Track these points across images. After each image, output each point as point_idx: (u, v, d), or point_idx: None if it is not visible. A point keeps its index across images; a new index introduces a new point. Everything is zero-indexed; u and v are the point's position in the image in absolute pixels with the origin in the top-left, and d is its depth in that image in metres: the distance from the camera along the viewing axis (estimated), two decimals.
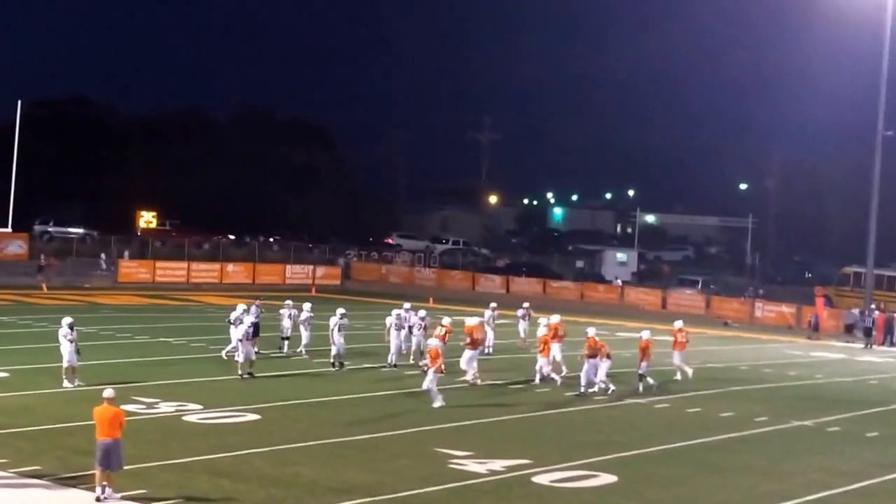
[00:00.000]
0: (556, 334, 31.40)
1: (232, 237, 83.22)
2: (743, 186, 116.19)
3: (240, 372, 28.14)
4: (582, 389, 28.22)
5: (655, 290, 66.22)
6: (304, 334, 32.65)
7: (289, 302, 34.41)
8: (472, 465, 19.62)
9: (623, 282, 71.03)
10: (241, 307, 30.90)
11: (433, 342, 26.89)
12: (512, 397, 27.58)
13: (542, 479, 19.05)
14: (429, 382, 25.52)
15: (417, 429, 22.82)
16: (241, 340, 28.54)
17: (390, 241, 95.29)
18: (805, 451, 23.00)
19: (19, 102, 45.99)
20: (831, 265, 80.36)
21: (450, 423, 23.72)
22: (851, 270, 63.54)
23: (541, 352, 30.29)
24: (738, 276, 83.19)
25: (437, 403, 25.14)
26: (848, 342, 49.40)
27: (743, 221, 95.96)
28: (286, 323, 33.44)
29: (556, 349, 30.78)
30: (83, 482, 16.92)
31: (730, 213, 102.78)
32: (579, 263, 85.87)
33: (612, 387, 28.65)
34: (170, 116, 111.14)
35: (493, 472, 19.26)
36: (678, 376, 31.76)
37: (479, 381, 29.02)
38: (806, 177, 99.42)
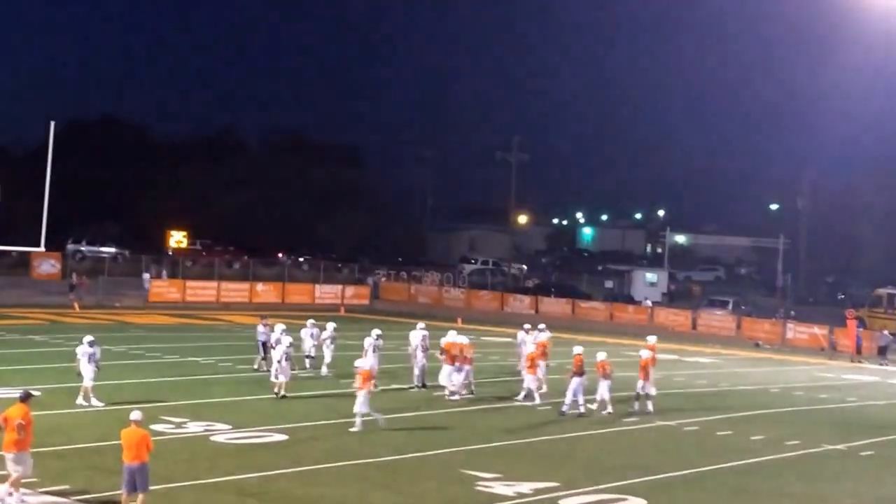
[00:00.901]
0: (543, 352, 31.29)
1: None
2: (774, 207, 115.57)
3: (276, 391, 28.24)
4: (565, 409, 27.95)
5: (685, 310, 65.86)
6: (327, 353, 32.73)
7: (311, 321, 34.53)
8: (500, 488, 19.52)
9: (653, 302, 70.68)
10: (279, 327, 30.91)
11: (364, 363, 25.54)
12: (540, 419, 27.44)
13: (570, 502, 18.93)
14: (360, 405, 24.22)
15: (445, 450, 22.74)
16: (279, 362, 28.56)
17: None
18: (837, 476, 22.76)
19: (52, 123, 46.27)
20: (864, 286, 79.79)
21: (477, 444, 23.62)
22: (885, 292, 63.01)
23: (528, 368, 30.29)
24: (769, 297, 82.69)
25: (381, 423, 24.21)
26: (882, 364, 48.95)
27: (774, 242, 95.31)
28: (308, 343, 33.51)
29: (541, 368, 30.64)
30: (110, 502, 16.96)
31: (761, 234, 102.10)
32: (609, 284, 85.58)
33: (608, 409, 28.47)
34: (201, 138, 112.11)
35: (521, 495, 19.15)
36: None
37: (455, 397, 29.36)
38: (838, 197, 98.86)
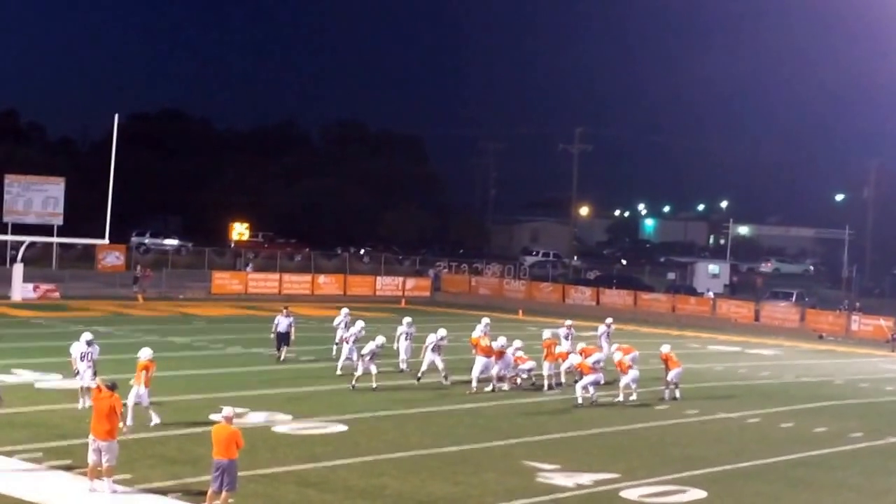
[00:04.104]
0: (549, 351, 30.98)
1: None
2: (839, 197, 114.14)
3: (354, 384, 28.42)
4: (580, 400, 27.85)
5: (748, 302, 65.26)
6: (403, 347, 32.17)
7: (345, 310, 34.39)
8: (560, 479, 19.50)
9: (715, 294, 70.12)
10: (360, 323, 31.01)
11: (145, 353, 22.56)
12: (601, 411, 27.37)
13: (631, 493, 18.86)
14: (136, 397, 21.95)
15: (505, 441, 22.75)
16: (363, 356, 28.68)
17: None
18: None
19: (116, 116, 46.89)
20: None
21: (538, 436, 23.62)
22: None
23: (546, 357, 30.32)
24: (833, 289, 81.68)
25: (154, 421, 22.26)
26: None
27: (839, 233, 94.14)
28: (340, 332, 33.14)
29: (546, 365, 30.46)
30: (174, 491, 17.20)
31: (826, 225, 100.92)
32: (671, 275, 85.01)
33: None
34: (263, 130, 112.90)
35: (581, 486, 19.13)
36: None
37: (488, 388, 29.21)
38: None
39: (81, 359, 23.52)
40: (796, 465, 22.15)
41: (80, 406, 23.27)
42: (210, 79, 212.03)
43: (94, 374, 23.04)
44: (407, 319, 32.58)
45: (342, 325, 33.38)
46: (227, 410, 16.50)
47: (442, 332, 30.80)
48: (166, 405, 24.77)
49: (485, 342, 29.78)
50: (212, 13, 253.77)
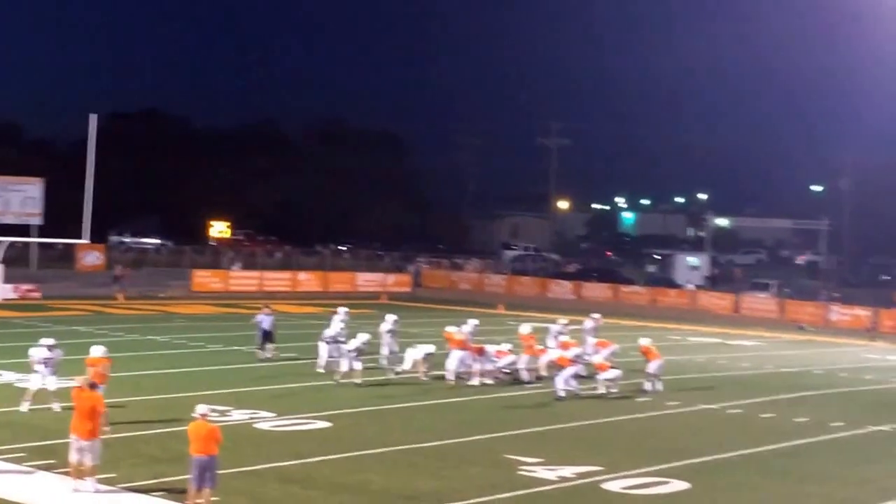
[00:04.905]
0: (529, 345, 31.19)
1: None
2: (816, 188, 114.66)
3: (338, 379, 28.59)
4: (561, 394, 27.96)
5: (728, 294, 65.54)
6: (387, 344, 32.00)
7: (343, 309, 34.56)
8: (543, 472, 19.58)
9: (695, 286, 70.39)
10: (337, 324, 31.11)
11: (97, 351, 23.03)
12: (583, 404, 27.47)
13: (613, 485, 18.95)
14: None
15: (488, 435, 22.81)
16: (348, 353, 28.73)
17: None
18: (882, 457, 22.65)
19: (94, 116, 46.68)
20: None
21: (520, 429, 23.69)
22: None
23: (526, 350, 30.49)
24: (812, 280, 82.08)
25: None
26: None
27: (817, 224, 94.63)
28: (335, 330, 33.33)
29: (524, 358, 30.65)
30: (157, 489, 17.20)
31: (803, 216, 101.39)
32: (651, 268, 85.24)
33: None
34: (242, 129, 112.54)
35: (564, 479, 19.20)
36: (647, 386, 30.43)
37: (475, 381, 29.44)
38: (881, 177, 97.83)
39: (44, 364, 23.29)
40: (777, 456, 22.29)
41: (22, 409, 22.99)
42: (188, 77, 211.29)
43: (55, 375, 23.20)
44: (392, 317, 32.60)
45: (342, 322, 33.74)
46: (203, 408, 16.44)
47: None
48: (148, 403, 24.78)
49: (458, 337, 30.03)
50: (190, 11, 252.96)
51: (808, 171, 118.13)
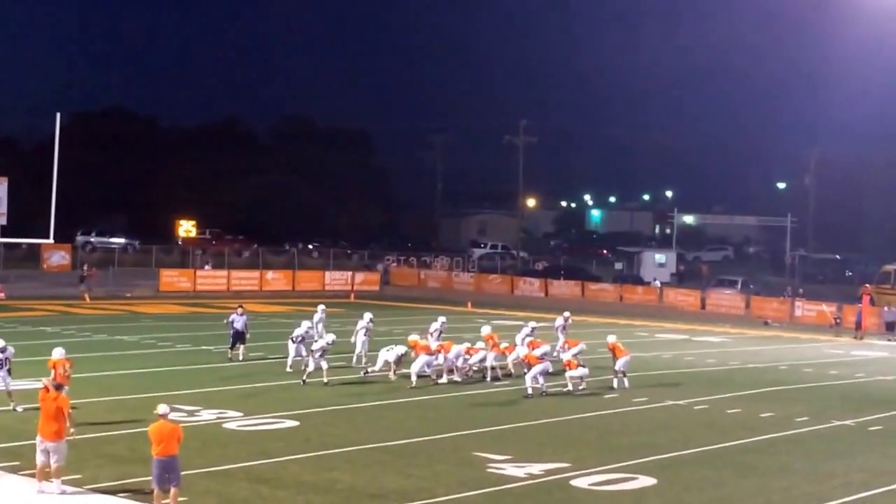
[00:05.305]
0: (494, 344, 31.28)
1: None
2: (781, 185, 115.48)
3: (305, 378, 28.54)
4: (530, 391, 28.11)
5: (695, 290, 65.93)
6: (360, 343, 32.10)
7: (321, 306, 34.84)
8: (511, 469, 19.66)
9: (662, 283, 70.76)
10: (305, 324, 31.14)
11: (57, 352, 22.99)
12: (550, 401, 27.58)
13: (581, 482, 19.06)
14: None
15: (456, 433, 22.87)
16: (313, 352, 28.71)
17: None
18: (846, 451, 22.86)
19: (58, 115, 46.40)
20: (872, 263, 79.62)
21: (488, 427, 23.77)
22: (892, 268, 63.00)
23: (493, 348, 30.70)
24: (777, 276, 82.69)
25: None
26: (890, 340, 49.01)
27: (782, 221, 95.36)
28: (321, 328, 33.79)
29: (491, 356, 30.74)
30: (123, 490, 17.16)
31: (769, 213, 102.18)
32: (618, 265, 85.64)
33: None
34: (210, 127, 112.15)
35: (532, 476, 19.30)
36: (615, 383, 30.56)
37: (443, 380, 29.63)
38: (844, 175, 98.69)
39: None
40: (743, 451, 22.47)
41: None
42: (154, 77, 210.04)
43: (9, 374, 23.16)
44: (368, 315, 32.57)
45: (321, 321, 33.90)
46: (164, 407, 16.33)
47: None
48: (115, 404, 24.69)
49: (424, 343, 30.09)
50: (154, 11, 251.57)
51: (774, 169, 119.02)
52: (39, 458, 17.02)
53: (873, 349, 45.41)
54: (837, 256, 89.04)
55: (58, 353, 22.80)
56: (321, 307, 35.62)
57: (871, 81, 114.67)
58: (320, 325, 34.17)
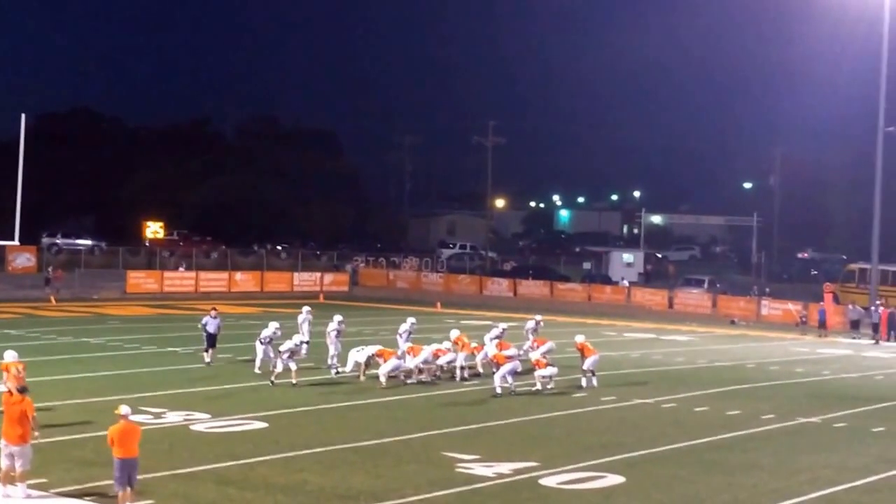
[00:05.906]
0: (463, 345, 31.36)
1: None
2: (747, 185, 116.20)
3: (272, 379, 28.51)
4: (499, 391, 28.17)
5: (662, 290, 66.25)
6: (333, 346, 31.79)
7: (306, 307, 34.93)
8: (479, 469, 19.69)
9: (630, 283, 71.05)
10: (273, 325, 31.04)
11: (8, 355, 22.30)
12: (519, 400, 27.64)
13: (550, 481, 19.11)
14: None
15: (424, 433, 22.88)
16: (281, 353, 28.64)
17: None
18: (812, 448, 23.03)
19: (23, 116, 46.13)
20: (837, 262, 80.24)
21: (456, 427, 23.80)
22: (857, 267, 63.57)
23: (461, 348, 30.81)
24: (744, 275, 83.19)
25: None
26: (854, 338, 49.42)
27: (748, 220, 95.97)
28: (305, 328, 33.81)
29: (461, 356, 30.80)
30: (89, 494, 17.05)
31: (735, 213, 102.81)
32: (586, 265, 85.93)
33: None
34: (176, 128, 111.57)
35: (500, 476, 19.32)
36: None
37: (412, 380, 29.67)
38: (809, 174, 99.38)
39: None
40: (711, 448, 22.60)
41: None
42: (121, 76, 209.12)
43: None
44: (337, 317, 32.49)
45: (306, 322, 34.05)
46: (126, 409, 16.21)
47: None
48: (81, 407, 24.53)
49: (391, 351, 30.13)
50: (121, 10, 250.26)
51: (740, 169, 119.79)
52: (4, 463, 16.87)
53: (839, 347, 45.78)
54: (844, 257, 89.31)
55: (10, 356, 22.36)
56: (306, 308, 35.50)
57: (834, 81, 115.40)
58: (305, 325, 34.15)
